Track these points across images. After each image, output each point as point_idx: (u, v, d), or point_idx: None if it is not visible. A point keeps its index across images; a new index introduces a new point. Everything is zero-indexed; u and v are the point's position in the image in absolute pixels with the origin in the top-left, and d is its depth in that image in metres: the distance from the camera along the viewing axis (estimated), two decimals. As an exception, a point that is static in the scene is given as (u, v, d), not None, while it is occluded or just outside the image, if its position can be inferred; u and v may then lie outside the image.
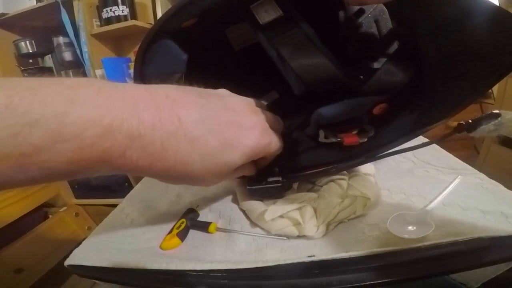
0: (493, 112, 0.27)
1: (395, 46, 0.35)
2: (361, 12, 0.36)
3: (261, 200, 0.39)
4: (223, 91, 0.30)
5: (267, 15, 0.33)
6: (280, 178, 0.37)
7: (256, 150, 0.29)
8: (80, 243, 0.40)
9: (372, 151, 0.34)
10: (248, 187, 0.38)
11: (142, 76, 0.37)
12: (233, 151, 0.26)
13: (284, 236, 0.35)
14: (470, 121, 0.28)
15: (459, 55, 0.28)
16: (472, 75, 0.27)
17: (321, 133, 0.35)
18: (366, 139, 0.32)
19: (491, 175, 0.42)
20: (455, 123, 0.30)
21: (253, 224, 0.39)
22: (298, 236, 0.35)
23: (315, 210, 0.35)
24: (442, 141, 0.33)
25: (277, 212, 0.35)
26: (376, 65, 0.36)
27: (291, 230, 0.35)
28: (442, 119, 0.29)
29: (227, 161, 0.26)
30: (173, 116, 0.23)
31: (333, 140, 0.32)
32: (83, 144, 0.18)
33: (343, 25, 0.37)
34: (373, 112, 0.35)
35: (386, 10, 0.35)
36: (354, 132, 0.34)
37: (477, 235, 0.29)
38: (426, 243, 0.29)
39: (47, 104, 0.17)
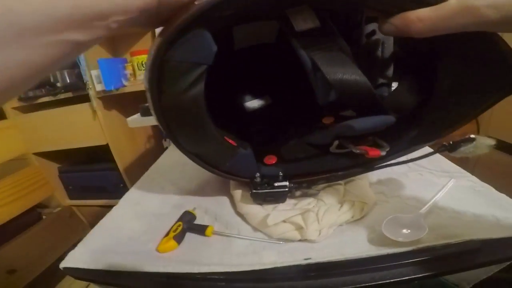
0: (469, 137, 0.31)
1: (391, 68, 0.39)
2: (372, 33, 0.39)
3: (260, 205, 0.40)
4: None
5: (304, 23, 0.33)
6: (287, 183, 0.37)
7: None
8: (74, 244, 0.40)
9: (371, 162, 0.37)
10: (253, 191, 0.39)
11: (164, 60, 0.30)
12: None
13: (287, 240, 0.36)
14: (451, 142, 0.33)
15: (466, 87, 0.31)
16: (466, 104, 0.32)
17: (334, 143, 0.36)
18: (385, 153, 0.33)
19: (483, 177, 0.43)
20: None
21: (250, 227, 0.39)
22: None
23: (315, 215, 0.36)
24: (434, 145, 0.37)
25: (279, 217, 0.36)
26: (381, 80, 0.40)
27: (294, 235, 0.35)
28: (438, 138, 0.34)
29: None
30: None
31: (356, 151, 0.33)
32: None
33: (355, 43, 0.39)
34: None
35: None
36: (367, 145, 0.34)
37: (469, 237, 0.30)
38: (420, 246, 0.30)
39: None
